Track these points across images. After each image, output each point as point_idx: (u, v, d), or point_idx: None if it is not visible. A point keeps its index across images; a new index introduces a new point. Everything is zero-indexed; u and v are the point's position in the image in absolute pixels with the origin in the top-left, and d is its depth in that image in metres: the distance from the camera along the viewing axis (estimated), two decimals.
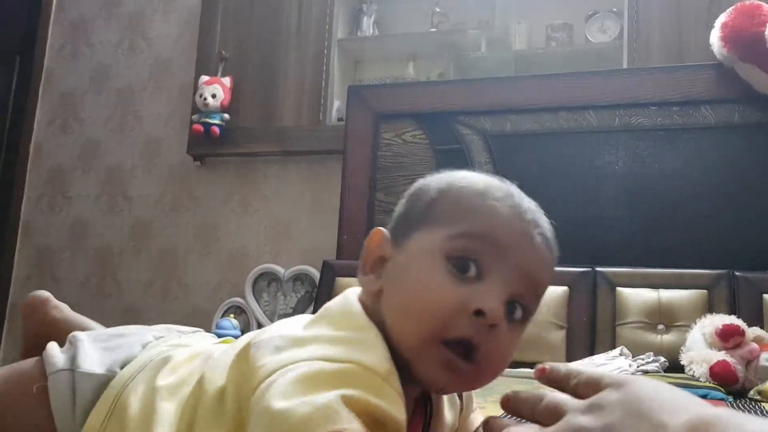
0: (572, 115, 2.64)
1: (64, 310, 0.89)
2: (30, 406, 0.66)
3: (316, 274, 2.96)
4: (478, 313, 0.55)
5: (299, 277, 3.05)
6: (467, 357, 0.56)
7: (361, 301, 0.61)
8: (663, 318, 2.31)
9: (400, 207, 0.65)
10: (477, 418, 0.75)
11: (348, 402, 0.48)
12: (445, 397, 0.68)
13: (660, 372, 2.13)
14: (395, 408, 0.52)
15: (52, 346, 0.70)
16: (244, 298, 3.06)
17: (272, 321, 2.99)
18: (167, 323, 3.01)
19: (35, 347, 0.83)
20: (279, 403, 0.47)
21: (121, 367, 0.67)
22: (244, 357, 0.57)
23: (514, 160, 2.69)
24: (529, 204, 0.63)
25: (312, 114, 3.14)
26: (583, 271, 2.42)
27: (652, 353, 2.20)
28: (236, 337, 2.23)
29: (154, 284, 3.33)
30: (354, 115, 2.95)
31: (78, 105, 3.64)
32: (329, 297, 2.39)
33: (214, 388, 0.57)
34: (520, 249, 0.59)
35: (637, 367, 2.14)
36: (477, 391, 0.78)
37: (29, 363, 0.70)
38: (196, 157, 3.31)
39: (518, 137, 2.71)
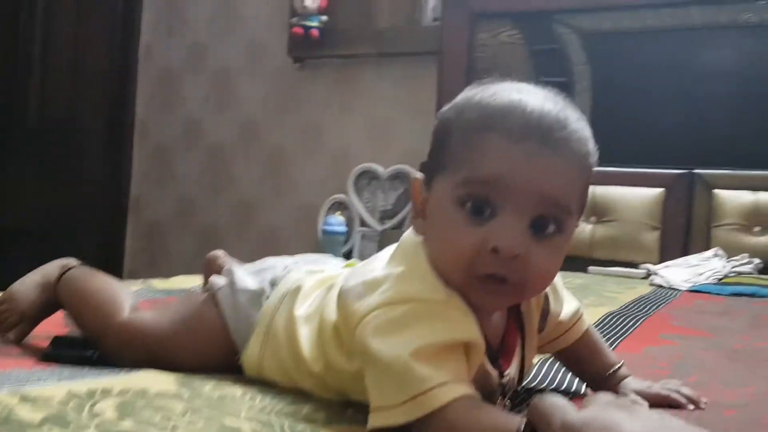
0: (675, 12, 2.55)
1: (231, 262, 1.08)
2: (207, 321, 0.82)
3: (414, 173, 3.08)
4: (495, 250, 0.59)
5: (398, 176, 3.18)
6: (504, 282, 0.61)
7: None
8: (761, 220, 2.32)
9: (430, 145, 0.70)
10: (582, 323, 0.82)
11: (418, 356, 0.58)
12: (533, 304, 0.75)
13: (754, 273, 2.18)
14: (464, 325, 0.61)
15: (214, 277, 0.87)
16: (346, 194, 3.24)
17: (374, 217, 3.17)
18: (279, 217, 3.27)
19: None
20: (372, 355, 0.60)
21: (271, 284, 0.82)
22: (340, 300, 0.69)
23: (613, 60, 2.65)
24: (539, 113, 0.61)
25: (408, 14, 3.16)
26: (680, 173, 2.44)
27: (747, 255, 2.24)
28: (342, 234, 2.40)
29: (265, 181, 3.55)
30: (449, 15, 2.95)
31: (183, 8, 3.77)
32: None
33: (330, 321, 0.71)
34: (524, 177, 0.60)
35: (732, 268, 2.20)
36: (571, 292, 0.85)
37: (198, 293, 0.89)
38: (296, 59, 3.41)
39: (617, 36, 2.65)
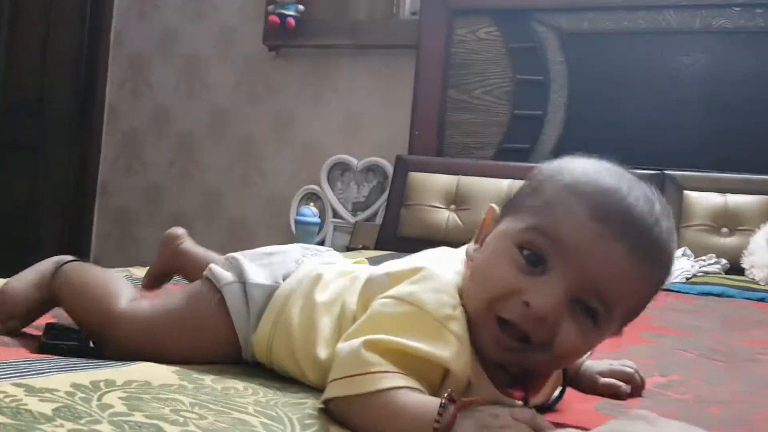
0: (651, 15, 2.60)
1: (191, 245, 1.05)
2: (211, 317, 0.79)
3: (387, 165, 3.09)
4: (527, 304, 0.59)
5: (371, 168, 3.18)
6: (524, 340, 0.61)
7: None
8: (728, 222, 2.37)
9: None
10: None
11: (370, 346, 0.59)
12: None
13: (721, 274, 2.23)
14: (448, 350, 0.60)
15: (215, 266, 0.83)
16: (319, 186, 3.23)
17: (347, 208, 3.17)
18: (248, 207, 3.26)
19: (161, 273, 1.01)
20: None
21: (283, 279, 0.80)
22: (364, 289, 0.71)
23: (589, 59, 2.68)
24: (626, 204, 0.60)
25: (385, 7, 3.15)
26: (651, 174, 2.48)
27: (714, 255, 2.30)
28: (315, 224, 2.38)
29: (235, 170, 3.52)
30: (427, 10, 2.96)
31: None
32: (402, 190, 2.52)
33: (351, 310, 0.72)
34: (584, 252, 0.59)
35: (699, 267, 2.25)
36: None
37: (197, 284, 0.84)
38: (272, 47, 3.39)
39: (595, 36, 2.69)
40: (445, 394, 0.55)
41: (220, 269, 0.82)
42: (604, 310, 0.61)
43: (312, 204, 3.11)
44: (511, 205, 0.67)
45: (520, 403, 0.65)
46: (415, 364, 0.60)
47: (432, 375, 0.62)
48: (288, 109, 3.42)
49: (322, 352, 0.71)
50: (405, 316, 0.62)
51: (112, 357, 0.79)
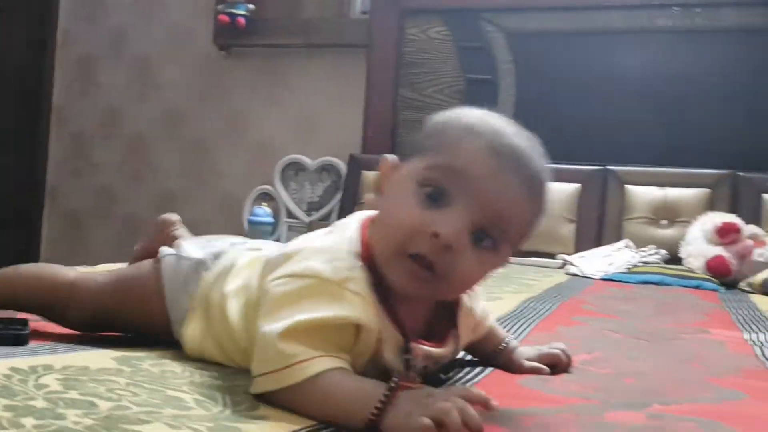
0: (596, 15, 2.69)
1: (185, 233, 1.08)
2: (148, 285, 0.84)
3: (341, 165, 3.12)
4: (436, 235, 0.64)
5: (325, 168, 3.21)
6: (430, 269, 0.65)
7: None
8: (667, 214, 2.47)
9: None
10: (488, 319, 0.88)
11: (286, 336, 0.62)
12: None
13: (660, 263, 2.32)
14: (353, 307, 0.64)
15: (164, 247, 0.90)
16: (273, 186, 3.24)
17: (301, 208, 3.19)
18: (202, 207, 3.24)
19: (148, 257, 1.04)
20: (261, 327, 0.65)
21: (214, 257, 0.84)
22: (263, 271, 0.74)
23: (536, 59, 2.76)
24: (516, 143, 0.67)
25: (336, 6, 3.18)
26: (594, 169, 2.57)
27: (654, 246, 2.39)
28: (269, 224, 2.40)
29: (188, 171, 3.51)
30: (378, 9, 3.00)
31: None
32: (356, 188, 2.57)
33: (254, 294, 0.75)
34: (483, 182, 0.64)
35: (640, 258, 2.33)
36: (494, 281, 0.90)
37: (149, 261, 0.89)
38: (222, 47, 3.39)
39: (542, 36, 2.76)
40: (392, 381, 0.58)
41: (167, 248, 0.89)
42: (502, 236, 0.67)
43: (265, 204, 3.13)
44: (408, 151, 0.71)
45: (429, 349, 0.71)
46: (329, 332, 0.64)
47: (345, 336, 0.66)
48: (240, 109, 3.42)
49: (241, 339, 0.74)
50: (305, 288, 0.65)
51: (72, 327, 0.85)
